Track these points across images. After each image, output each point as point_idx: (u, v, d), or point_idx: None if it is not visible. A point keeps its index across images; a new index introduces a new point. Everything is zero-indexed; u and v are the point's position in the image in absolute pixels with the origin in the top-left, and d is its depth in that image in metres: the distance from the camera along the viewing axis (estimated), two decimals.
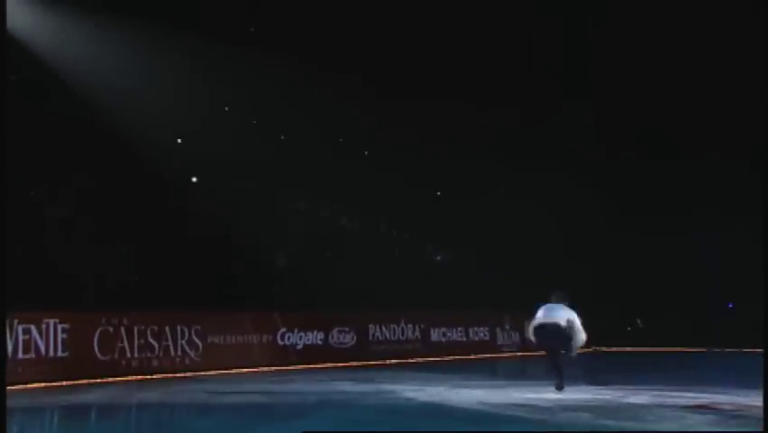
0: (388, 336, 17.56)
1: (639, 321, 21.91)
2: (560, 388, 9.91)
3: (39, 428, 8.85)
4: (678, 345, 19.05)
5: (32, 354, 11.97)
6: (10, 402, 6.95)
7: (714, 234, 19.50)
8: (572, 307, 10.61)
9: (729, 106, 19.73)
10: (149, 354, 13.47)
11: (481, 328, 19.59)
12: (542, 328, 10.38)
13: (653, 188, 21.88)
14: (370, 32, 19.86)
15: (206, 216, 16.95)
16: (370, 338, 17.21)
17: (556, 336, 10.29)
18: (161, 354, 13.65)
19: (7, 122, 7.88)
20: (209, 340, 14.38)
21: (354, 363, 15.93)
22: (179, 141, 18.77)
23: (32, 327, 12.01)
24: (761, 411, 7.18)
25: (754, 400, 8.38)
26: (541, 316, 10.49)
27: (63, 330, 12.36)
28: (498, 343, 19.91)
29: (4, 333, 11.07)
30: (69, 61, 16.12)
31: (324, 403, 9.65)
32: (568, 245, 21.12)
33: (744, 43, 17.71)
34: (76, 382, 12.12)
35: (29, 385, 11.47)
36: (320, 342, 16.19)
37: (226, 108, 19.98)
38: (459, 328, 19.10)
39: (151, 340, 13.55)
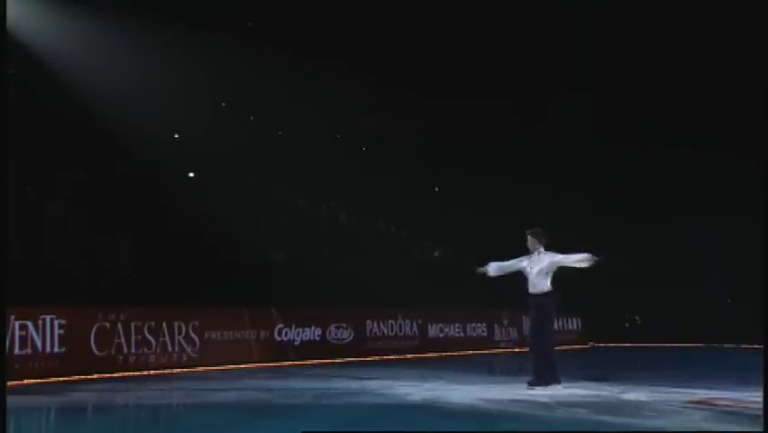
0: (385, 331, 17.55)
1: (637, 317, 21.92)
2: (559, 382, 9.61)
3: (36, 425, 8.81)
4: (676, 340, 19.06)
5: (29, 350, 11.94)
6: (7, 399, 6.92)
7: (713, 229, 19.49)
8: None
9: (729, 100, 19.68)
10: (146, 350, 13.44)
11: (479, 324, 19.61)
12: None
13: (651, 183, 21.86)
14: (367, 28, 19.84)
15: (204, 212, 16.92)
16: (368, 334, 17.21)
17: (540, 312, 9.30)
18: (159, 350, 13.61)
19: (7, 120, 7.84)
20: (206, 336, 14.35)
21: (352, 359, 15.93)
22: (176, 136, 18.77)
23: (29, 323, 11.99)
24: (759, 408, 7.18)
25: (751, 396, 8.39)
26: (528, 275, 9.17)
27: (60, 326, 12.32)
28: (496, 339, 19.93)
29: (4, 332, 11.05)
30: (66, 58, 16.08)
31: (321, 399, 9.63)
32: (566, 242, 21.06)
33: (745, 33, 17.63)
34: (72, 378, 12.10)
35: (25, 381, 11.44)
36: (317, 338, 16.18)
37: (224, 104, 19.95)
38: (456, 324, 19.11)
39: (149, 336, 13.51)
